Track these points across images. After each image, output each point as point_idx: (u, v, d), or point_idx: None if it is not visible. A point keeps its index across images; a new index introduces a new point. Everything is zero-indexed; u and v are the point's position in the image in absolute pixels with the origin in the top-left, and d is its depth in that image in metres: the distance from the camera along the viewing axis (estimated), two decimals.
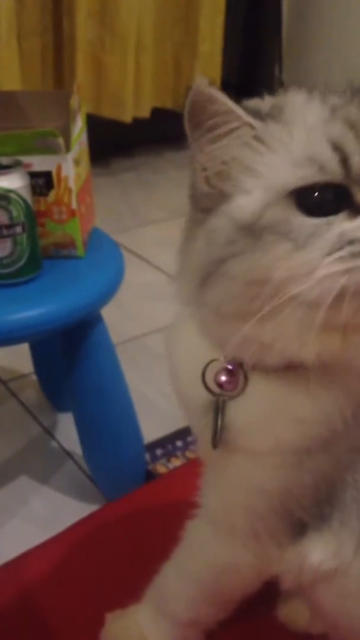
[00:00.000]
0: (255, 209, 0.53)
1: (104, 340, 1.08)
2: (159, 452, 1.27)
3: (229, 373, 0.63)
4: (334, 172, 0.51)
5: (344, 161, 0.51)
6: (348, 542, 0.65)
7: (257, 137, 0.54)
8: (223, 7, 2.60)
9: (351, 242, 0.49)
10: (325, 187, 0.51)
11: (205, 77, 0.54)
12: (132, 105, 2.48)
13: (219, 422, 0.63)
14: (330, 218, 0.51)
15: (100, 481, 1.20)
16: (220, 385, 0.63)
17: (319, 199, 0.51)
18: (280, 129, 0.54)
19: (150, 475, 1.21)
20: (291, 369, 0.60)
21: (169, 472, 1.23)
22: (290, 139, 0.53)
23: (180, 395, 0.70)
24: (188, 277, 0.60)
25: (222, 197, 0.56)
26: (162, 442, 1.29)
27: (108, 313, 1.06)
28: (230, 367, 0.63)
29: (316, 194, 0.51)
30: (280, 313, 0.51)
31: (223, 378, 0.63)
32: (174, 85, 2.65)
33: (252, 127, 0.54)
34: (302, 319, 0.51)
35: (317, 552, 0.66)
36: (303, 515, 0.66)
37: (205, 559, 0.77)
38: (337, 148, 0.51)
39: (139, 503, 1.14)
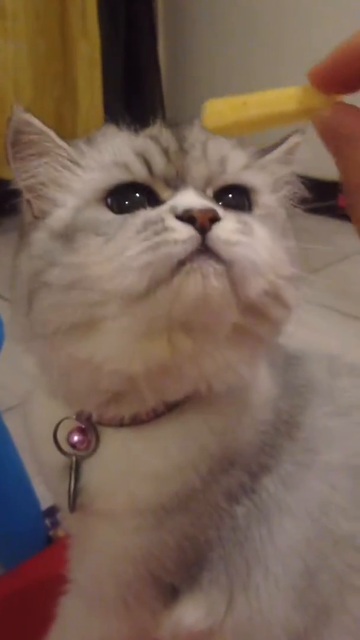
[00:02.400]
0: (68, 214, 0.56)
1: None
2: (59, 516, 1.22)
3: (82, 432, 0.63)
4: (137, 172, 0.56)
5: (147, 163, 0.56)
6: (219, 600, 0.65)
7: (70, 159, 0.59)
8: (99, 61, 2.65)
9: (154, 223, 0.51)
10: (131, 186, 0.55)
11: (21, 106, 0.59)
12: None
13: (72, 483, 0.63)
14: (138, 212, 0.53)
15: None
16: (73, 445, 0.63)
17: (125, 197, 0.55)
18: (92, 150, 0.59)
19: (51, 542, 1.17)
20: (141, 423, 0.60)
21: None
22: (99, 156, 0.59)
23: (38, 462, 0.69)
24: (19, 308, 0.59)
25: (43, 216, 0.58)
26: None
27: (1, 374, 1.02)
28: (82, 425, 0.63)
29: (123, 193, 0.55)
30: (102, 320, 0.52)
31: (75, 438, 0.63)
32: None
33: (65, 150, 0.59)
34: (123, 319, 0.51)
35: (190, 613, 0.65)
36: (172, 580, 0.65)
37: (81, 635, 0.74)
38: (140, 154, 0.56)
39: (32, 572, 1.10)
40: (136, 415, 0.61)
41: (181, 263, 0.49)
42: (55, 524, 1.20)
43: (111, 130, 0.61)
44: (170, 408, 0.62)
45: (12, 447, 1.09)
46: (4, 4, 2.39)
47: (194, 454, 0.61)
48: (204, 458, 0.61)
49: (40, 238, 0.57)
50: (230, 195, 0.58)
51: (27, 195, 0.60)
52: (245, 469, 0.64)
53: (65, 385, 0.61)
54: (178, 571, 0.64)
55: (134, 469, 0.61)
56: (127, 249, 0.50)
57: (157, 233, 0.50)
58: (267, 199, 0.61)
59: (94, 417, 0.62)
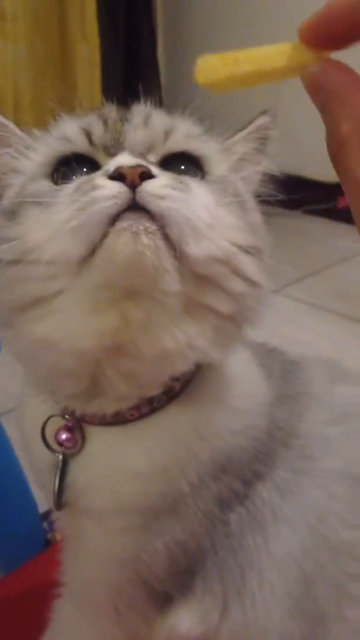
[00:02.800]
0: (16, 191, 0.57)
1: None
2: (53, 517, 1.22)
3: (69, 430, 0.63)
4: (78, 142, 0.57)
5: (87, 134, 0.57)
6: (213, 607, 0.64)
7: (26, 146, 0.61)
8: (98, 63, 2.66)
9: (85, 184, 0.51)
10: (74, 158, 0.56)
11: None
12: None
13: (57, 481, 0.62)
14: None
15: None
16: (60, 443, 0.63)
17: (68, 169, 0.56)
18: (46, 134, 0.61)
19: (50, 544, 1.17)
20: (126, 422, 0.60)
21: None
22: (50, 137, 0.60)
23: (30, 461, 0.69)
24: None
25: None
26: None
27: None
28: (69, 424, 0.63)
29: (66, 165, 0.56)
30: (53, 295, 0.51)
31: (63, 436, 0.63)
32: None
33: (22, 138, 0.61)
34: (72, 292, 0.51)
35: (184, 619, 0.64)
36: (163, 588, 0.64)
37: None
38: (82, 127, 0.58)
39: (30, 576, 1.09)
40: (119, 413, 0.60)
41: (112, 221, 0.48)
42: (53, 527, 1.20)
43: (66, 118, 0.62)
44: (155, 410, 0.61)
45: (10, 449, 1.08)
46: (3, 5, 2.40)
47: (179, 455, 0.60)
48: (191, 461, 0.60)
49: None
50: (182, 167, 0.57)
51: None
52: (237, 476, 0.63)
53: (35, 373, 0.60)
54: (169, 579, 0.63)
55: (118, 467, 0.61)
56: (59, 213, 0.50)
57: (86, 193, 0.50)
58: (219, 168, 0.59)
59: (77, 413, 0.62)
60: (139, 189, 0.49)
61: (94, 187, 0.50)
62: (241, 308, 0.55)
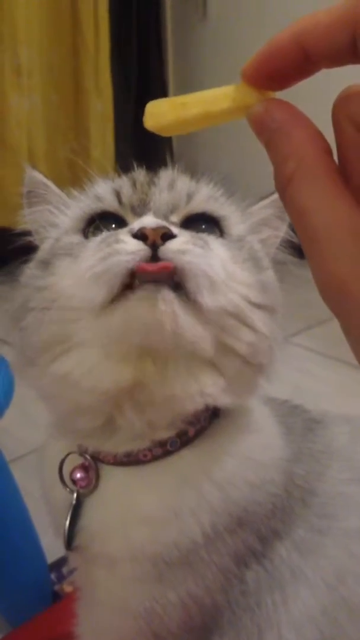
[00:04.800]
0: (51, 243, 0.62)
1: None
2: (65, 570, 1.20)
3: (84, 469, 0.64)
4: (108, 201, 0.62)
5: (118, 196, 0.62)
6: None
7: (64, 203, 0.66)
8: (111, 116, 2.71)
9: (109, 238, 0.55)
10: (106, 217, 0.61)
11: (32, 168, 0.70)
12: None
13: (69, 518, 0.63)
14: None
15: (2, 606, 1.12)
16: (75, 482, 0.63)
17: (99, 226, 0.60)
18: (82, 194, 0.66)
19: (57, 597, 1.14)
20: (139, 463, 0.61)
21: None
22: (85, 196, 0.65)
23: (49, 504, 0.69)
24: (17, 339, 0.61)
25: None
26: (68, 560, 1.22)
27: (8, 423, 1.01)
28: (85, 463, 0.64)
29: (97, 222, 0.60)
30: (75, 336, 0.55)
31: (78, 475, 0.63)
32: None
33: (59, 196, 0.67)
34: (93, 334, 0.54)
35: None
36: None
37: None
38: (114, 189, 0.63)
39: (40, 629, 1.07)
40: (132, 453, 0.61)
41: (131, 275, 0.52)
42: (61, 578, 1.18)
43: (100, 179, 0.67)
44: (169, 453, 0.62)
45: (19, 498, 1.07)
46: (20, 61, 2.46)
47: (191, 501, 0.60)
48: (204, 508, 0.60)
49: (30, 268, 0.62)
50: (202, 226, 0.61)
51: (34, 239, 0.67)
52: (254, 532, 0.62)
53: (55, 410, 0.63)
54: (184, 635, 0.62)
55: (130, 510, 0.61)
56: (84, 262, 0.55)
57: (109, 245, 0.54)
58: (237, 229, 0.63)
59: (90, 451, 0.63)
60: (161, 249, 0.53)
61: (117, 241, 0.54)
62: (255, 359, 0.58)
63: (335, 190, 0.31)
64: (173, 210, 0.61)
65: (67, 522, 0.63)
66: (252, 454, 0.64)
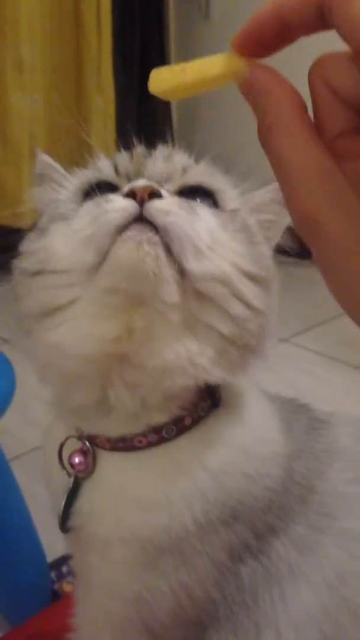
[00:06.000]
0: (50, 213, 0.64)
1: None
2: (65, 569, 1.20)
3: (83, 454, 0.64)
4: (106, 171, 0.64)
5: (115, 166, 0.64)
6: None
7: (66, 180, 0.68)
8: (113, 115, 2.71)
9: (100, 201, 0.56)
10: (103, 186, 0.62)
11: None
12: (30, 213, 2.50)
13: (64, 500, 0.63)
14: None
15: (2, 605, 1.13)
16: (73, 466, 0.64)
17: (95, 192, 0.61)
18: (83, 170, 0.68)
19: (56, 595, 1.15)
20: (134, 449, 0.61)
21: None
22: (86, 171, 0.68)
23: (50, 488, 0.69)
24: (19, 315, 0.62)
25: None
26: (68, 559, 1.21)
27: (9, 422, 1.02)
28: (84, 447, 0.64)
29: (95, 192, 0.61)
30: (67, 303, 0.56)
31: (76, 459, 0.64)
32: None
33: (64, 175, 0.69)
34: (83, 299, 0.55)
35: None
36: (170, 637, 0.62)
37: None
38: (113, 161, 0.65)
39: (40, 628, 1.07)
40: (127, 438, 0.62)
41: (120, 231, 0.53)
42: (61, 577, 1.18)
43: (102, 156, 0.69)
44: (164, 440, 0.62)
45: (19, 496, 1.07)
46: (22, 58, 2.46)
47: (184, 488, 0.60)
48: (197, 496, 0.60)
49: (29, 239, 0.63)
50: (197, 199, 0.61)
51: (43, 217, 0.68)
52: (249, 526, 0.62)
53: (51, 385, 0.64)
54: (176, 628, 0.62)
55: (124, 494, 0.61)
56: (76, 225, 0.57)
57: (99, 206, 0.55)
58: (232, 204, 0.64)
59: (86, 433, 0.64)
60: (146, 205, 0.54)
61: (107, 201, 0.56)
62: (243, 333, 0.58)
63: (307, 138, 0.36)
64: (167, 180, 0.62)
65: (62, 504, 0.64)
66: (248, 446, 0.64)
